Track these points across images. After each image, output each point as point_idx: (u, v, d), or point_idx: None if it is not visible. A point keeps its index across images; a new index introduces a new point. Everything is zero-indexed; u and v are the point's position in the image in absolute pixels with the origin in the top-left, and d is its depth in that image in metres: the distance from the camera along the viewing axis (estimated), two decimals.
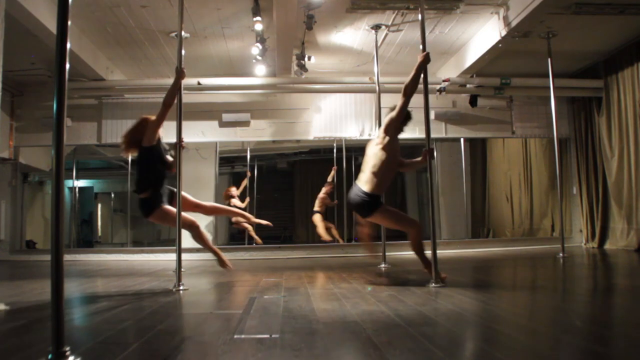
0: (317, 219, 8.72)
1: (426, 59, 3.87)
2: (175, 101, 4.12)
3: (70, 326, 2.46)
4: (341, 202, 8.67)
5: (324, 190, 8.84)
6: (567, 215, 8.24)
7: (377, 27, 6.28)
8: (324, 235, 8.52)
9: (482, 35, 6.67)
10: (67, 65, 1.88)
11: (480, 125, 8.52)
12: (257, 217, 8.82)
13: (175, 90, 4.02)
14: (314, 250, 8.13)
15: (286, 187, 12.07)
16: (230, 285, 4.13)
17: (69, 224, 9.04)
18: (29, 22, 5.30)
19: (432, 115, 7.47)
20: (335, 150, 8.64)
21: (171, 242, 7.81)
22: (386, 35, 6.65)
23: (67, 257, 7.13)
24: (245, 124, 8.22)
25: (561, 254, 6.05)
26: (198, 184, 8.01)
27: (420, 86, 3.99)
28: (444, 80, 7.66)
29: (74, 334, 2.33)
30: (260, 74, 7.34)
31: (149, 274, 5.19)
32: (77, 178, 9.17)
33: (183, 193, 4.04)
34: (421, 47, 4.04)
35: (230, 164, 10.53)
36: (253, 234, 8.48)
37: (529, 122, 8.49)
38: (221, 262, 4.29)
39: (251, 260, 7.34)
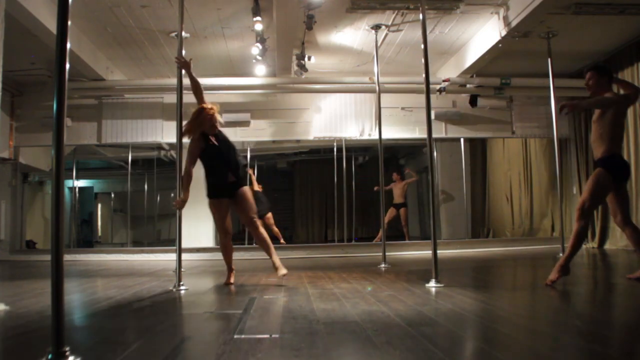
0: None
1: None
2: (175, 101, 4.10)
3: (70, 326, 2.46)
4: (341, 201, 8.68)
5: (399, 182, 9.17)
6: (567, 215, 8.23)
7: (377, 27, 6.28)
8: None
9: (482, 35, 6.67)
10: (67, 65, 1.88)
11: (480, 125, 8.52)
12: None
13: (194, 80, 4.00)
14: (314, 250, 8.13)
15: (286, 187, 12.08)
16: (230, 286, 4.13)
17: (69, 224, 9.04)
18: (29, 22, 5.30)
19: (432, 115, 7.47)
20: (335, 150, 8.64)
21: (171, 242, 7.82)
22: (386, 35, 6.65)
23: (67, 257, 7.13)
24: (245, 124, 8.22)
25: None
26: (198, 183, 7.99)
27: (422, 86, 3.99)
28: (444, 80, 7.66)
29: (74, 334, 2.32)
30: (260, 74, 7.34)
31: (149, 274, 5.18)
32: (77, 178, 9.17)
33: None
34: (422, 46, 4.03)
35: None
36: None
37: (529, 122, 8.50)
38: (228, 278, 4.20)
39: (251, 260, 7.34)
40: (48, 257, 1.88)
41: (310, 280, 4.23)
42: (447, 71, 7.89)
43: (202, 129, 3.94)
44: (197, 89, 4.01)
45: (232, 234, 4.14)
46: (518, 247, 8.19)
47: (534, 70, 7.36)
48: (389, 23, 6.30)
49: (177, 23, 4.23)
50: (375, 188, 8.97)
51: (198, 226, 8.04)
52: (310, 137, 8.43)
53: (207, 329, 2.42)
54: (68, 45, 1.88)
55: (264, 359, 1.80)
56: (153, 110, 8.13)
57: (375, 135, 7.93)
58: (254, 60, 6.93)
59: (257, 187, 8.82)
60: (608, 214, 7.66)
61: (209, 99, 8.11)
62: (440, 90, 7.82)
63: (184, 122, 4.04)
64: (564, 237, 6.44)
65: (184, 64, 4.01)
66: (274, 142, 8.96)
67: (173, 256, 4.07)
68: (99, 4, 5.64)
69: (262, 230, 4.06)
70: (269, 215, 8.66)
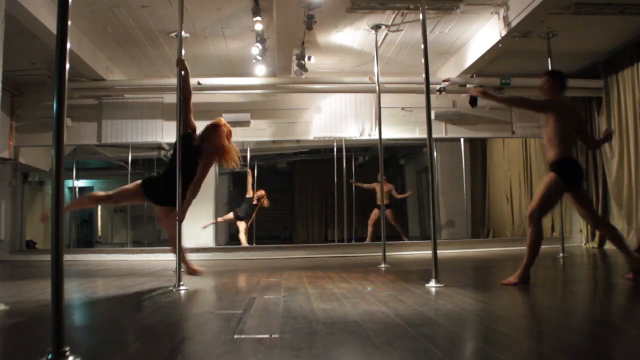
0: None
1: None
2: (175, 101, 4.10)
3: (70, 326, 2.46)
4: (341, 201, 8.68)
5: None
6: (567, 215, 8.23)
7: (377, 27, 6.28)
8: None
9: (482, 35, 6.68)
10: (67, 65, 1.88)
11: (480, 125, 8.52)
12: (257, 217, 8.88)
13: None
14: (314, 250, 8.13)
15: (286, 187, 12.08)
16: (230, 285, 4.13)
17: (69, 224, 9.04)
18: (29, 22, 5.30)
19: (432, 115, 7.46)
20: (335, 150, 8.64)
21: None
22: (386, 35, 6.65)
23: (67, 257, 7.13)
24: (245, 124, 8.21)
25: (561, 254, 6.05)
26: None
27: (422, 86, 4.01)
28: (444, 80, 7.66)
29: (74, 334, 2.32)
30: (260, 74, 7.34)
31: (149, 274, 5.18)
32: (77, 178, 9.16)
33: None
34: (422, 46, 4.04)
35: None
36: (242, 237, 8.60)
37: (529, 122, 8.48)
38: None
39: (251, 260, 7.34)
40: (48, 257, 1.88)
41: (310, 280, 4.23)
42: (447, 71, 7.88)
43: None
44: (189, 93, 4.17)
45: None
46: (518, 247, 8.15)
47: (534, 70, 7.33)
48: (389, 23, 6.30)
49: (177, 23, 4.23)
50: (351, 181, 8.92)
51: (198, 226, 8.04)
52: (310, 137, 8.43)
53: (207, 329, 2.42)
54: (68, 45, 1.88)
55: (264, 359, 1.81)
56: (153, 110, 8.12)
57: (375, 135, 7.92)
58: (254, 60, 6.93)
59: (250, 193, 8.80)
60: (608, 214, 7.67)
61: (209, 98, 8.17)
62: (440, 90, 7.82)
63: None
64: (564, 237, 6.44)
65: (185, 67, 4.06)
66: (274, 142, 8.96)
67: (173, 256, 4.07)
68: (99, 4, 5.64)
69: None
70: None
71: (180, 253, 3.99)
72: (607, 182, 7.66)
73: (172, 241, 4.12)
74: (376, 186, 9.08)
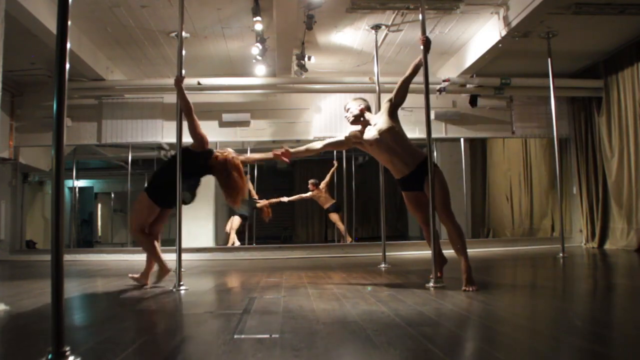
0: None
1: (426, 46, 4.02)
2: (175, 101, 4.09)
3: (70, 326, 2.46)
4: (340, 201, 8.68)
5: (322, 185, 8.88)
6: (567, 215, 8.23)
7: (377, 27, 6.28)
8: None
9: (482, 35, 6.68)
10: (67, 65, 1.88)
11: (480, 125, 8.52)
12: (258, 217, 8.88)
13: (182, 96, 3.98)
14: (314, 250, 8.13)
15: (286, 187, 12.09)
16: (230, 285, 4.13)
17: (69, 224, 9.04)
18: (29, 22, 5.30)
19: (432, 115, 7.47)
20: (335, 150, 8.63)
21: (171, 242, 7.81)
22: (386, 35, 6.65)
23: (67, 257, 7.13)
24: (245, 124, 8.22)
25: (561, 254, 6.04)
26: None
27: (421, 86, 4.01)
28: (444, 80, 7.66)
29: (74, 334, 2.32)
30: (260, 74, 7.33)
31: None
32: (77, 178, 9.17)
33: None
34: (422, 47, 4.06)
35: None
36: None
37: (529, 122, 8.49)
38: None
39: (251, 260, 7.34)
40: (48, 257, 1.88)
41: (310, 280, 4.23)
42: (447, 71, 7.88)
43: None
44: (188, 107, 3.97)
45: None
46: (518, 247, 8.19)
47: (534, 70, 7.36)
48: (389, 23, 6.30)
49: (177, 23, 4.23)
50: (334, 162, 8.78)
51: (198, 226, 8.04)
52: (310, 137, 8.40)
53: (207, 329, 2.42)
54: (68, 45, 1.88)
55: (264, 359, 1.81)
56: (153, 110, 8.13)
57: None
58: (254, 60, 6.92)
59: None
60: (608, 214, 7.66)
61: (209, 98, 8.17)
62: (440, 90, 7.81)
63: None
64: (564, 237, 6.44)
65: (180, 87, 3.98)
66: (274, 142, 8.94)
67: (173, 256, 4.07)
68: (99, 4, 5.64)
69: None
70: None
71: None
72: (607, 182, 7.66)
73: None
74: (315, 197, 8.92)
